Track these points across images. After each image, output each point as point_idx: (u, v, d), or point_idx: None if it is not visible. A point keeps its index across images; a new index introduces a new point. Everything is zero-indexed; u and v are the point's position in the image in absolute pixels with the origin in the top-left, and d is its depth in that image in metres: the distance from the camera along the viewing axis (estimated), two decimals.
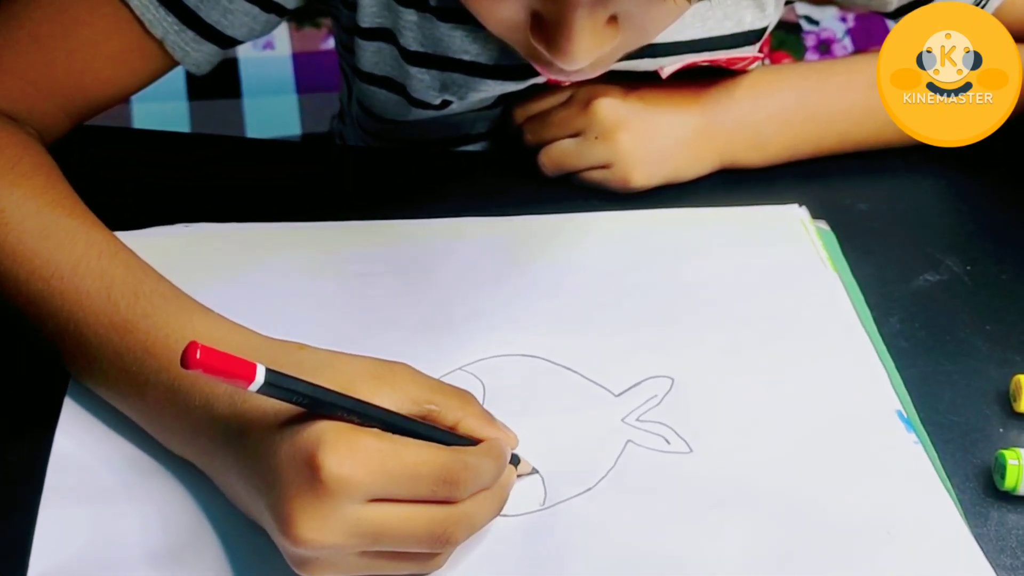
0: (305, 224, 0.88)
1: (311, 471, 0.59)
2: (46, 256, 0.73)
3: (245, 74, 1.97)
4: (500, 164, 0.98)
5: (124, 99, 0.90)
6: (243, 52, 1.99)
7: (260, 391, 0.56)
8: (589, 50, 0.71)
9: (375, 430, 0.61)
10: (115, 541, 0.67)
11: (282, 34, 2.01)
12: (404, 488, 0.61)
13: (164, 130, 1.04)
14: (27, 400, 0.75)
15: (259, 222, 0.87)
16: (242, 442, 0.64)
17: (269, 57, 2.00)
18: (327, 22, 2.03)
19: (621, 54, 0.77)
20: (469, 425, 0.67)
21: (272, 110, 1.94)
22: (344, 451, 0.59)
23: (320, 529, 0.59)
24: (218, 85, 1.95)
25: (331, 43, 2.01)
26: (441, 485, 0.62)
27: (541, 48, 0.72)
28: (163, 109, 1.91)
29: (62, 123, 0.87)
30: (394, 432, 0.62)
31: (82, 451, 0.71)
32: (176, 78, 1.94)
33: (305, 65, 1.99)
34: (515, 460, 0.71)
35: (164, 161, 0.96)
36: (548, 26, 0.71)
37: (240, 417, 0.64)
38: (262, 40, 2.00)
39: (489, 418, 0.69)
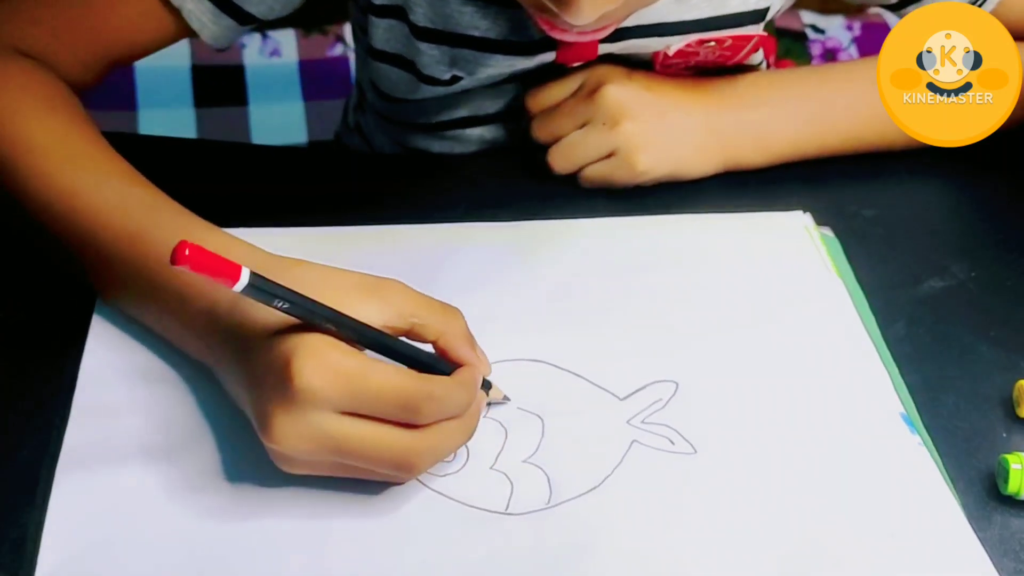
0: (311, 229, 0.88)
1: (285, 378, 0.63)
2: (71, 177, 0.79)
3: (251, 81, 1.97)
4: (506, 169, 0.98)
5: (146, 55, 0.95)
6: (249, 59, 1.99)
7: (244, 292, 0.60)
8: (595, 5, 0.72)
9: (348, 348, 0.65)
10: (124, 553, 0.68)
11: (289, 41, 2.01)
12: (367, 406, 0.64)
13: (170, 136, 1.05)
14: (31, 400, 0.76)
15: (265, 227, 0.87)
16: (237, 346, 0.69)
17: (275, 64, 2.00)
18: (334, 29, 2.03)
19: (628, 13, 0.77)
20: (447, 342, 0.70)
21: (278, 117, 1.94)
22: (314, 363, 0.63)
23: (291, 433, 0.64)
24: (224, 92, 1.95)
25: (338, 50, 2.01)
26: (402, 410, 0.65)
27: (548, 1, 0.73)
28: (169, 115, 1.91)
29: (88, 76, 0.92)
30: (371, 346, 0.67)
31: (89, 453, 0.72)
32: (182, 85, 1.94)
33: (312, 72, 1.99)
34: (486, 386, 0.74)
35: (170, 167, 0.96)
36: None
37: (238, 324, 0.69)
38: (269, 47, 2.01)
39: (470, 340, 0.72)
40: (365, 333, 0.66)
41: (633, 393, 0.78)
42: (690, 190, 0.94)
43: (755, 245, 0.90)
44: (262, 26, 1.54)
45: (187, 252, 0.57)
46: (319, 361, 0.63)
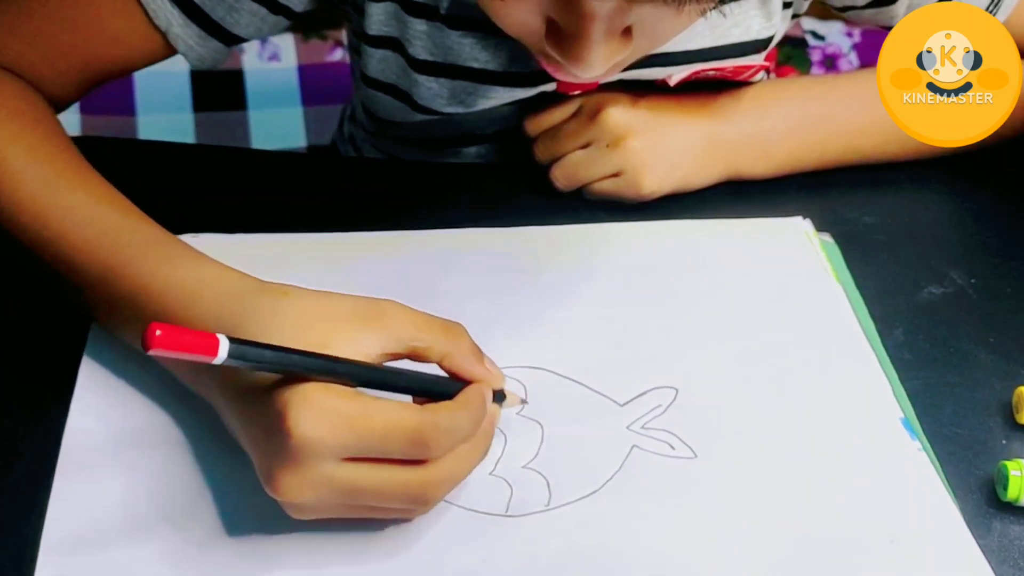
0: (312, 235, 0.88)
1: (283, 433, 0.60)
2: (44, 204, 0.76)
3: (250, 86, 1.97)
4: (507, 175, 0.98)
5: (129, 73, 0.93)
6: (249, 64, 1.99)
7: (226, 364, 0.57)
8: (604, 59, 0.72)
9: (345, 389, 0.62)
10: (123, 560, 0.68)
11: (288, 46, 2.01)
12: (375, 448, 0.61)
13: (169, 141, 1.05)
14: (31, 408, 0.76)
15: (265, 233, 0.87)
16: (231, 392, 0.66)
17: (275, 69, 2.00)
18: (334, 34, 2.03)
19: (633, 60, 0.77)
20: (454, 362, 0.67)
21: (277, 122, 1.94)
22: (312, 414, 0.60)
23: (299, 488, 0.61)
24: (223, 97, 1.95)
25: (337, 55, 2.01)
26: (411, 447, 0.62)
27: (556, 54, 0.73)
28: (168, 121, 1.91)
29: (68, 92, 0.89)
30: (369, 384, 0.63)
31: (88, 460, 0.72)
32: (181, 90, 1.93)
33: (311, 77, 1.99)
34: (500, 397, 0.71)
35: (170, 172, 0.97)
36: (564, 35, 0.72)
37: (229, 370, 0.65)
38: (268, 52, 2.01)
39: (476, 355, 0.68)
40: (360, 374, 0.63)
41: (633, 399, 0.78)
42: (691, 196, 0.94)
43: (755, 251, 0.90)
44: None
45: (158, 333, 0.54)
46: (315, 409, 0.60)
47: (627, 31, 0.72)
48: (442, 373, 0.68)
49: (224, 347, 0.56)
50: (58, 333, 0.79)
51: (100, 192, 0.77)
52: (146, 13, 0.86)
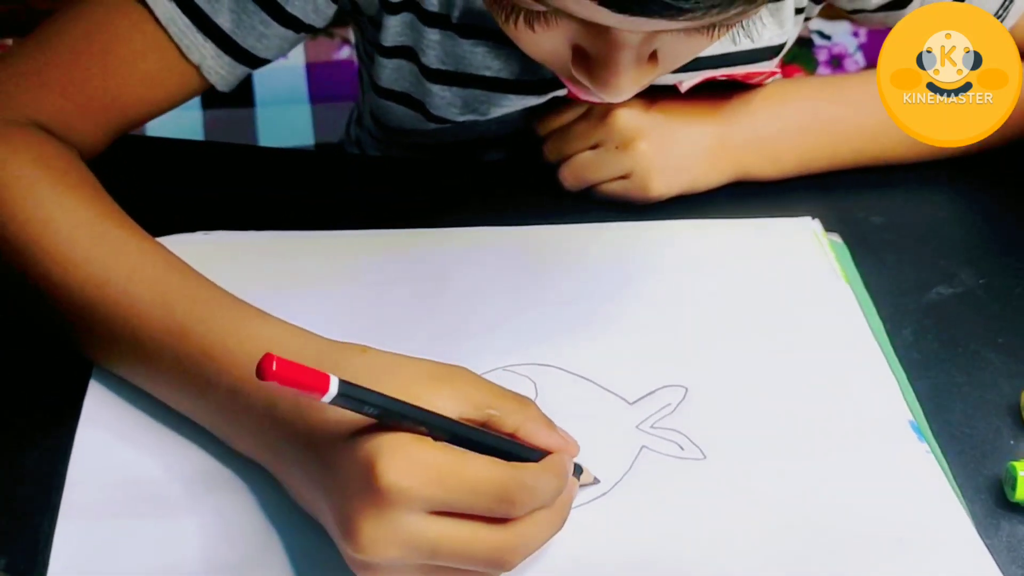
0: (321, 233, 0.88)
1: (370, 480, 0.59)
2: (99, 264, 0.73)
3: (259, 83, 1.97)
4: (516, 176, 0.99)
5: (157, 116, 0.90)
6: None
7: (333, 403, 0.56)
8: (633, 85, 0.71)
9: (435, 442, 0.61)
10: (133, 550, 0.67)
11: None
12: (462, 502, 0.60)
13: (177, 138, 1.05)
14: (45, 400, 0.75)
15: (274, 231, 0.87)
16: (306, 447, 0.65)
17: (283, 67, 1.99)
18: (341, 32, 2.03)
19: (657, 78, 0.77)
20: (528, 431, 0.66)
21: (285, 120, 1.94)
22: (403, 462, 0.59)
23: (380, 538, 0.59)
24: (231, 94, 1.95)
25: (345, 53, 2.01)
26: (498, 503, 0.61)
27: (584, 80, 0.72)
28: (176, 118, 1.90)
29: (99, 139, 0.86)
30: (459, 443, 0.62)
31: (102, 454, 0.72)
32: None
33: (319, 75, 1.99)
34: (577, 470, 0.70)
35: (179, 169, 0.97)
36: (593, 61, 0.71)
37: (304, 422, 0.65)
38: None
39: (548, 424, 0.68)
40: (454, 430, 0.62)
41: (642, 397, 0.78)
42: (699, 196, 0.94)
43: (764, 251, 0.90)
44: None
45: (274, 366, 0.53)
46: (407, 459, 0.59)
47: (653, 55, 0.72)
48: None
49: (334, 386, 0.56)
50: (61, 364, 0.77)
51: (157, 252, 0.75)
52: (179, 49, 0.85)
